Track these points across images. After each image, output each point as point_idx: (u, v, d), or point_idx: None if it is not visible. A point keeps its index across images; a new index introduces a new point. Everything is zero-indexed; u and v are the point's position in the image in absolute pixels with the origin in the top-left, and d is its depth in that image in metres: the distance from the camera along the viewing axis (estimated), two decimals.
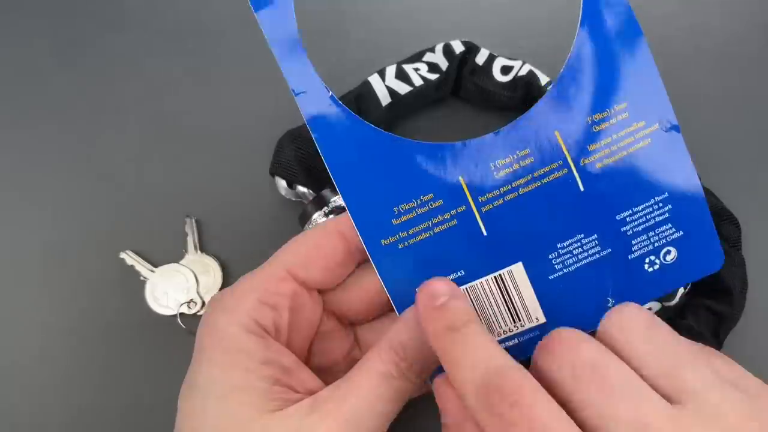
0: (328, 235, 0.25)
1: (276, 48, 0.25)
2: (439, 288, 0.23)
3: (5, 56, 0.35)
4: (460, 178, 0.25)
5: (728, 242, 0.30)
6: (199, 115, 0.34)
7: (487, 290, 0.25)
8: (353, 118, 0.25)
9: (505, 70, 0.32)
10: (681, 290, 0.29)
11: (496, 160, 0.25)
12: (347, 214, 0.25)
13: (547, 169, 0.25)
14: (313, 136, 0.25)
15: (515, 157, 0.25)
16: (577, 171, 0.25)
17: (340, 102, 0.25)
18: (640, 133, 0.25)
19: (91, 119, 0.34)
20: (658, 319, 0.22)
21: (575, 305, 0.25)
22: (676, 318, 0.29)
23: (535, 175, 0.25)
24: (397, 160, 0.25)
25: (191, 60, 0.35)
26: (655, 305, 0.29)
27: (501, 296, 0.26)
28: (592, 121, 0.25)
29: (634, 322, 0.21)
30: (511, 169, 0.25)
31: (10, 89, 0.35)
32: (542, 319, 0.26)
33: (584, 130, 0.25)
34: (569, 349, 0.21)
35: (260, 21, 0.24)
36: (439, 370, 0.26)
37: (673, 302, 0.29)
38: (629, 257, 0.26)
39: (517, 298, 0.25)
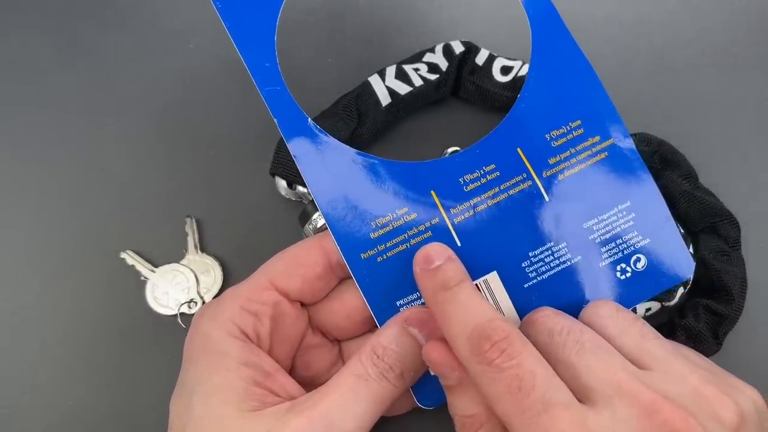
0: (309, 249, 0.26)
1: (255, 75, 0.26)
2: (434, 252, 0.25)
3: (5, 56, 0.35)
4: (432, 192, 0.26)
5: (728, 242, 0.30)
6: (199, 115, 0.34)
7: None
8: (329, 139, 0.26)
9: (505, 70, 0.32)
10: (681, 290, 0.29)
11: (464, 175, 0.27)
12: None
13: (512, 181, 0.27)
14: (293, 156, 0.26)
15: (482, 171, 0.27)
16: (541, 182, 0.27)
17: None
18: (596, 147, 0.27)
19: (91, 119, 0.34)
20: (625, 308, 0.25)
21: None
22: (675, 318, 0.30)
23: (502, 187, 0.27)
24: (372, 177, 0.26)
25: (191, 60, 0.35)
26: (655, 305, 0.29)
27: None
28: (551, 137, 0.27)
29: (605, 309, 0.25)
30: (479, 183, 0.27)
31: (10, 89, 0.35)
32: None
33: (544, 145, 0.27)
34: (547, 318, 0.24)
35: (241, 54, 0.26)
36: (426, 375, 0.26)
37: (673, 302, 0.29)
38: (600, 264, 0.27)
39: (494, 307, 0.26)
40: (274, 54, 0.26)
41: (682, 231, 0.30)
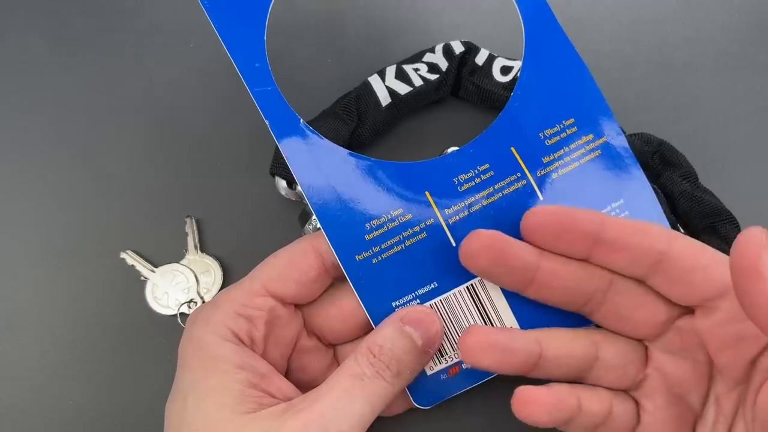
0: (303, 252, 0.26)
1: (245, 75, 0.26)
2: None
3: (5, 55, 0.35)
4: (426, 192, 0.26)
5: (728, 242, 0.30)
6: (199, 115, 0.34)
7: (461, 300, 0.26)
8: (322, 140, 0.26)
9: (505, 70, 0.32)
10: None
11: (458, 175, 0.27)
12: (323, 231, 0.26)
13: (506, 181, 0.27)
14: (285, 158, 0.26)
15: (476, 171, 0.27)
16: (535, 181, 0.27)
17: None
18: (589, 145, 0.27)
19: (91, 119, 0.34)
20: None
21: (548, 312, 0.26)
22: None
23: (496, 187, 0.27)
24: (366, 178, 0.26)
25: (191, 60, 0.35)
26: None
27: (475, 306, 0.26)
28: (544, 135, 0.27)
29: None
30: (474, 183, 0.26)
31: (9, 89, 0.35)
32: (517, 328, 0.26)
33: (538, 144, 0.27)
34: None
35: (231, 54, 0.26)
36: (422, 375, 0.26)
37: None
38: None
39: (490, 307, 0.26)
40: (264, 54, 0.26)
41: (681, 231, 0.30)
